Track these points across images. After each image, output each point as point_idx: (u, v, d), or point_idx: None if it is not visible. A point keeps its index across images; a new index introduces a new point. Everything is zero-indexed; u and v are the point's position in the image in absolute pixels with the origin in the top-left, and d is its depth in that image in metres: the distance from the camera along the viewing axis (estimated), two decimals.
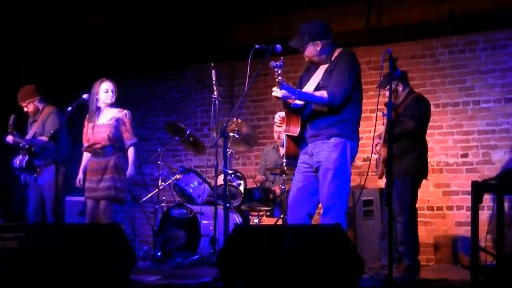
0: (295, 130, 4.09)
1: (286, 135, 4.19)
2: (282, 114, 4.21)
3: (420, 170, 5.21)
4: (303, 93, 4.03)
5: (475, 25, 6.11)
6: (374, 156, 5.33)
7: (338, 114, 4.04)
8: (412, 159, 5.13)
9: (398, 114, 5.08)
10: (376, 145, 5.31)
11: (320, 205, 4.16)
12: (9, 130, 5.63)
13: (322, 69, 4.13)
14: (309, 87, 4.11)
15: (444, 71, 6.37)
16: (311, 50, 4.13)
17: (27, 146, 5.68)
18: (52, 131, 5.17)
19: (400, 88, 5.21)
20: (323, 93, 3.99)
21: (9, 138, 5.64)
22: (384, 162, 5.15)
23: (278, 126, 4.32)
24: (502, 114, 6.08)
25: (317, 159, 4.05)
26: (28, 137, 5.82)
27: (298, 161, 4.22)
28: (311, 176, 4.12)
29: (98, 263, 3.77)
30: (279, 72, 3.88)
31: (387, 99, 5.06)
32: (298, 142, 4.19)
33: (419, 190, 5.66)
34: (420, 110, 5.15)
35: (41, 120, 5.79)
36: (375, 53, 6.46)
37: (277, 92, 3.93)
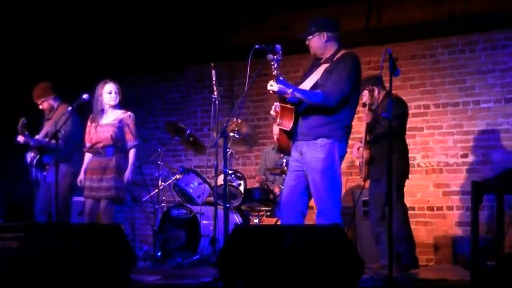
0: (288, 124, 4.08)
1: (279, 128, 4.18)
2: (277, 107, 4.22)
3: (403, 170, 5.24)
4: (298, 89, 4.04)
5: (475, 25, 6.11)
6: (359, 159, 5.39)
7: (331, 115, 4.05)
8: (395, 158, 5.13)
9: (377, 115, 5.11)
10: (358, 148, 5.36)
11: (312, 203, 4.19)
12: (19, 132, 5.63)
13: (322, 67, 4.14)
14: (307, 84, 4.12)
15: (444, 71, 6.37)
16: (316, 41, 4.16)
17: (35, 146, 5.69)
18: (63, 132, 5.25)
19: (376, 91, 5.23)
20: (318, 92, 4.01)
21: (20, 138, 5.64)
22: (367, 164, 5.19)
23: (274, 117, 4.31)
24: (502, 114, 6.08)
25: (305, 160, 4.08)
26: (41, 135, 5.81)
27: (290, 158, 4.24)
28: (302, 176, 4.13)
29: (98, 263, 3.77)
30: (276, 65, 3.91)
31: (364, 102, 5.20)
32: (290, 135, 4.19)
33: (419, 191, 5.68)
34: (398, 110, 5.17)
35: (55, 119, 5.77)
36: (375, 53, 6.46)
37: (273, 85, 3.94)
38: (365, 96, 5.26)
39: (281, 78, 3.94)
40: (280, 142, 4.26)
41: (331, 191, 4.02)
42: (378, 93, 5.24)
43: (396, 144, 5.14)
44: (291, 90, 3.97)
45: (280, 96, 4.06)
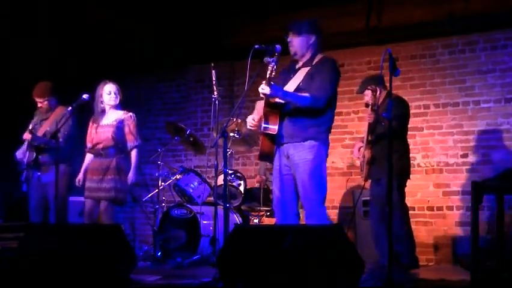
0: (274, 129, 4.08)
1: (263, 133, 4.14)
2: (255, 117, 4.22)
3: (405, 169, 5.24)
4: (289, 93, 4.05)
5: (475, 25, 6.12)
6: (360, 159, 5.39)
7: (315, 117, 4.10)
8: (396, 158, 5.12)
9: (378, 115, 5.11)
10: (359, 148, 5.36)
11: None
12: (30, 128, 5.63)
13: (303, 71, 4.15)
14: (289, 88, 4.11)
15: (444, 71, 6.37)
16: (303, 42, 4.16)
17: (36, 145, 5.67)
18: (66, 132, 5.28)
19: (378, 92, 5.23)
20: (306, 96, 4.03)
21: (27, 136, 5.62)
22: (368, 164, 5.19)
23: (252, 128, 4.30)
24: (502, 114, 6.08)
25: (293, 161, 4.10)
26: (39, 134, 5.80)
27: (275, 163, 4.24)
28: (290, 178, 4.16)
29: (98, 263, 3.77)
30: (274, 68, 3.89)
31: (366, 102, 5.21)
32: (274, 140, 4.18)
33: (419, 191, 5.66)
34: (399, 110, 5.17)
35: (53, 119, 5.74)
36: (375, 53, 6.46)
37: (265, 89, 3.92)
38: (368, 96, 5.26)
39: (272, 82, 3.94)
40: (263, 149, 4.21)
41: (319, 192, 4.09)
42: (380, 93, 5.24)
43: (397, 144, 5.14)
44: (281, 93, 4.00)
45: (267, 99, 4.05)
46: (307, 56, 4.20)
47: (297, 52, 4.19)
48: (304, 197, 4.08)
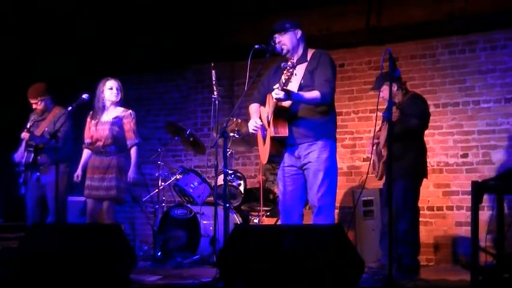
0: (285, 131, 4.05)
1: (271, 137, 4.10)
2: (258, 122, 4.19)
3: (421, 169, 5.21)
4: (302, 95, 4.02)
5: (475, 25, 6.12)
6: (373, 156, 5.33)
7: (324, 115, 4.10)
8: (413, 158, 5.11)
9: (399, 114, 5.06)
10: (374, 145, 5.30)
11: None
12: (28, 127, 5.63)
13: (300, 69, 4.08)
14: (292, 87, 4.04)
15: (444, 71, 6.37)
16: (291, 38, 4.15)
17: (35, 144, 5.67)
18: (64, 132, 5.38)
19: (394, 88, 5.12)
20: (315, 93, 4.00)
21: (25, 135, 5.62)
22: (384, 163, 5.14)
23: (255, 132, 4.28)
24: (502, 114, 6.07)
25: (307, 160, 4.08)
26: (37, 134, 5.80)
27: (283, 164, 4.21)
28: (299, 179, 4.15)
29: (98, 263, 3.77)
30: (291, 72, 3.79)
31: (381, 100, 5.11)
32: (282, 142, 4.15)
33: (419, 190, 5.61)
34: (419, 108, 5.13)
35: (51, 119, 5.73)
36: (375, 53, 6.46)
37: (279, 94, 3.85)
38: (383, 92, 5.12)
39: (285, 87, 3.89)
40: (272, 152, 4.17)
41: (330, 191, 4.08)
42: (397, 89, 5.14)
43: (414, 144, 5.11)
44: (295, 97, 3.97)
45: (276, 103, 4.01)
46: (300, 52, 4.18)
47: (289, 50, 4.16)
48: (318, 195, 4.05)
